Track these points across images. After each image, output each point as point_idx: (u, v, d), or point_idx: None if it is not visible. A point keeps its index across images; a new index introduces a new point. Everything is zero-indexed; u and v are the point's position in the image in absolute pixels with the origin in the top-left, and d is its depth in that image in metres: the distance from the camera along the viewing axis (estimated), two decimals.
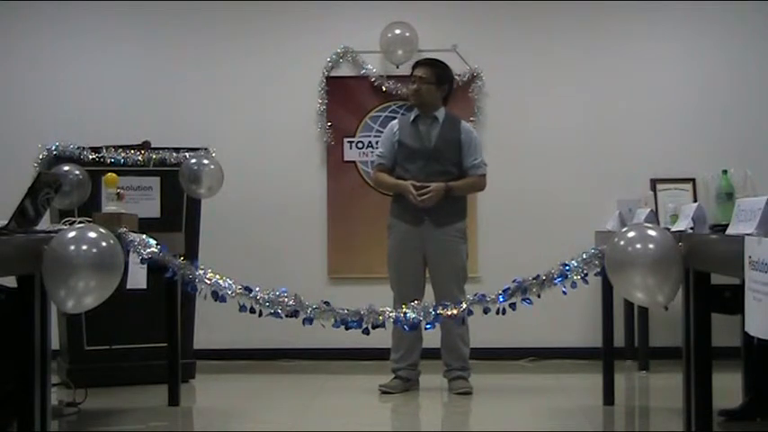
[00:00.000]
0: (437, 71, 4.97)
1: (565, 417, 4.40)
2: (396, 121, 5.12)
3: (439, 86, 4.94)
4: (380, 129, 5.83)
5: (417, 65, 5.02)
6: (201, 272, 3.94)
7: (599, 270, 3.90)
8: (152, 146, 5.25)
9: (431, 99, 4.93)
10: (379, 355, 5.20)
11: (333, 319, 3.90)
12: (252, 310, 3.88)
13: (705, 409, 3.27)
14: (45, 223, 3.79)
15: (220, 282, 3.91)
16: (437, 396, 4.86)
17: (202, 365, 5.42)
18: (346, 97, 6.12)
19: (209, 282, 3.92)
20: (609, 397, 4.51)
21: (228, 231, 5.88)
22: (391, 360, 4.96)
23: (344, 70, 6.15)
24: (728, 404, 4.02)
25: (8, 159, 5.76)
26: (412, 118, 4.96)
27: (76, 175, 4.69)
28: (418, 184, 4.79)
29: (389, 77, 6.04)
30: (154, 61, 6.18)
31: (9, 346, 3.14)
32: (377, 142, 5.58)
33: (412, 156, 4.88)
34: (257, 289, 3.89)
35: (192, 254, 4.90)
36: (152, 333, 4.97)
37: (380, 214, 5.25)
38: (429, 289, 4.89)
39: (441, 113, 4.96)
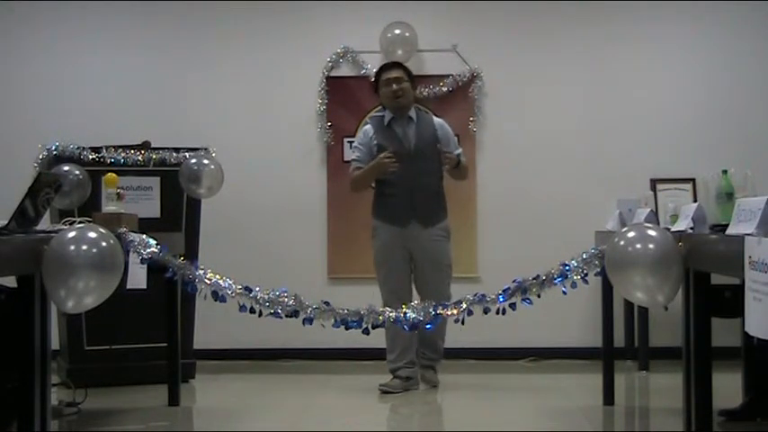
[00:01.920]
0: (407, 71, 5.06)
1: (565, 417, 4.40)
2: (368, 126, 5.11)
3: (413, 85, 5.05)
4: None
5: (388, 68, 5.05)
6: (201, 272, 3.94)
7: (599, 270, 3.89)
8: (152, 146, 5.25)
9: (412, 98, 5.03)
10: (378, 355, 5.19)
11: (333, 319, 3.90)
12: (252, 310, 3.88)
13: (705, 409, 3.27)
14: (45, 223, 3.79)
15: (220, 282, 3.91)
16: (437, 396, 4.87)
17: (202, 365, 5.42)
18: (346, 97, 6.12)
19: (209, 282, 3.91)
20: (609, 397, 4.51)
21: (228, 231, 5.88)
22: (388, 361, 4.97)
23: (344, 70, 6.15)
24: (728, 404, 4.02)
25: (8, 159, 5.76)
26: (387, 121, 4.98)
27: (76, 175, 4.70)
28: (389, 152, 4.78)
29: None
30: (154, 61, 6.18)
31: (9, 346, 3.14)
32: None
33: (395, 157, 4.88)
34: (257, 289, 3.89)
35: (192, 254, 4.90)
36: (152, 333, 4.97)
37: None
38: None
39: (413, 112, 5.02)
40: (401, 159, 4.85)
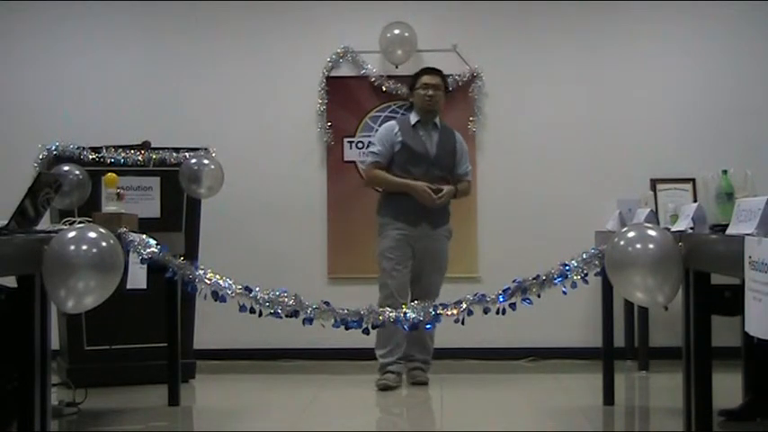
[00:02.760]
0: (446, 82, 5.17)
1: (565, 417, 4.40)
2: (393, 122, 5.18)
3: (445, 94, 5.14)
4: None
5: (427, 72, 5.13)
6: (201, 272, 3.94)
7: (599, 270, 3.89)
8: (152, 146, 5.25)
9: (442, 106, 5.12)
10: None
11: (333, 319, 3.91)
12: (252, 310, 3.88)
13: (705, 409, 3.27)
14: (45, 223, 3.79)
15: (220, 282, 3.91)
16: (436, 396, 4.87)
17: (202, 365, 5.42)
18: (346, 97, 6.12)
19: (209, 282, 3.92)
20: (609, 397, 4.51)
21: (228, 231, 5.88)
22: (379, 356, 5.01)
23: (344, 70, 6.15)
24: (728, 404, 4.02)
25: (8, 159, 5.76)
26: (413, 122, 5.03)
27: (76, 175, 4.70)
28: (434, 186, 4.90)
29: (389, 77, 6.04)
30: (154, 61, 6.18)
31: (9, 346, 3.14)
32: None
33: (415, 160, 4.99)
34: (257, 289, 3.89)
35: (192, 254, 4.90)
36: (152, 333, 4.97)
37: None
38: None
39: (437, 120, 5.10)
40: (421, 162, 4.95)
